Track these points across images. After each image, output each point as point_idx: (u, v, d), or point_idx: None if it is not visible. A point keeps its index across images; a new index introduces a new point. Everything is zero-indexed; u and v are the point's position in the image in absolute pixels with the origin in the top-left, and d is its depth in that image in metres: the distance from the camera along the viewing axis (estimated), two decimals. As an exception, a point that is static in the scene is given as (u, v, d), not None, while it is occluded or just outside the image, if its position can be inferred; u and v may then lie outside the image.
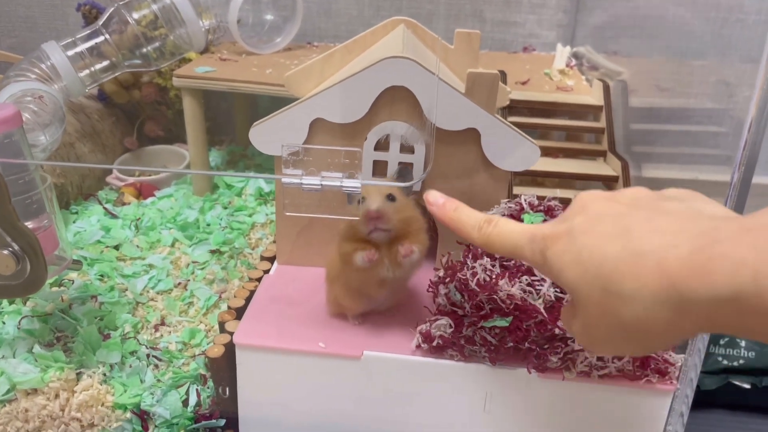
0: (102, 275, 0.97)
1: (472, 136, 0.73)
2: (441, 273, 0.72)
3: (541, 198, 0.73)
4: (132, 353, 0.82)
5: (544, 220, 0.70)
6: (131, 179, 1.27)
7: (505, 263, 0.67)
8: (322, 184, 0.59)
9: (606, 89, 0.97)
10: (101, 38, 1.19)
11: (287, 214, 0.60)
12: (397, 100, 0.72)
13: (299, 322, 0.72)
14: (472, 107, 0.71)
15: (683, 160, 0.84)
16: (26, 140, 0.68)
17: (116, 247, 1.05)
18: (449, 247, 0.78)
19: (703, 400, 0.83)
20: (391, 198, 0.64)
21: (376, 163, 0.76)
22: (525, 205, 0.71)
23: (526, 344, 0.65)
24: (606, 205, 0.38)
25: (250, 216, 1.14)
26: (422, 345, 0.67)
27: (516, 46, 1.44)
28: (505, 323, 0.64)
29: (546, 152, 0.90)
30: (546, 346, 0.66)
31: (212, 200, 1.19)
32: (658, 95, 0.92)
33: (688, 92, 0.83)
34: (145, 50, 1.25)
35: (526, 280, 0.64)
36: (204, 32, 1.28)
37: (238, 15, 1.22)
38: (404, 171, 0.70)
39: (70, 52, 1.16)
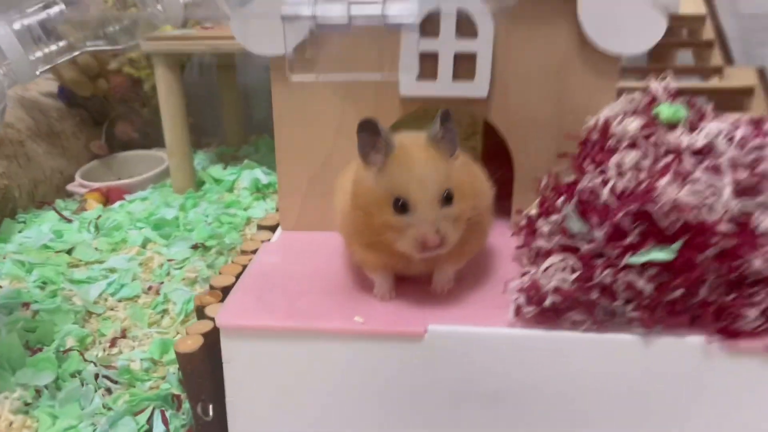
0: (44, 282, 0.71)
1: (560, 5, 0.49)
2: (537, 207, 0.47)
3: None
4: (74, 374, 0.56)
5: (688, 119, 0.45)
6: (97, 184, 1.02)
7: (659, 145, 0.41)
8: (350, 16, 0.34)
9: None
10: (56, 9, 0.97)
11: (294, 79, 0.35)
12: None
13: (316, 296, 0.46)
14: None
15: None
16: None
17: (69, 252, 0.80)
18: (526, 191, 0.54)
19: None
20: (448, 198, 0.41)
21: (423, 59, 0.51)
22: (659, 92, 0.46)
23: (701, 293, 0.39)
24: None
25: (245, 210, 0.89)
26: (525, 309, 0.41)
27: None
28: (669, 256, 0.38)
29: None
30: (733, 296, 0.39)
31: (196, 197, 0.94)
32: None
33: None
34: (111, 29, 1.04)
35: (705, 180, 0.39)
36: (182, 5, 1.07)
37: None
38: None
39: (17, 26, 0.95)
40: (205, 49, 0.88)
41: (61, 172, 1.07)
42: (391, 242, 0.41)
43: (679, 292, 0.39)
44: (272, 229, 0.60)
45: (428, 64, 0.51)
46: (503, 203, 0.54)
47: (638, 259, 0.39)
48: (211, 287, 0.51)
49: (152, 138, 1.19)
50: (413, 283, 0.47)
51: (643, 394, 0.42)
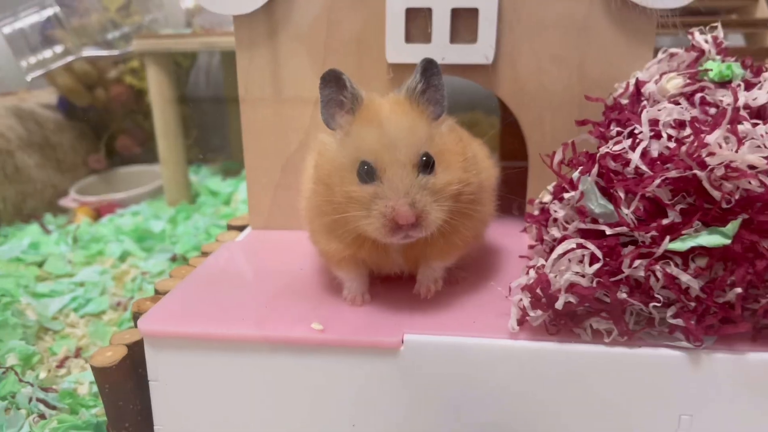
0: (2, 294, 0.64)
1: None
2: (551, 192, 0.37)
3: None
4: (7, 397, 0.48)
5: (744, 80, 0.35)
6: (90, 198, 0.96)
7: (707, 104, 0.32)
8: None
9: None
10: (50, 12, 0.92)
11: None
12: None
13: (272, 300, 0.37)
14: None
15: None
16: None
17: (41, 264, 0.72)
18: (541, 178, 0.44)
19: None
20: (427, 165, 0.32)
21: (413, 16, 0.42)
22: (707, 47, 0.36)
23: (770, 293, 0.29)
24: None
25: (239, 221, 0.81)
26: (531, 314, 0.31)
27: None
28: (724, 240, 0.28)
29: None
30: (814, 297, 0.29)
31: (190, 210, 0.87)
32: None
33: None
34: (111, 36, 0.98)
35: (764, 132, 0.29)
36: (184, 11, 1.01)
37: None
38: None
39: (7, 30, 0.90)
40: (199, 48, 0.81)
41: (54, 186, 1.00)
42: (357, 223, 0.32)
43: (737, 291, 0.28)
44: (240, 228, 0.52)
45: (420, 23, 0.43)
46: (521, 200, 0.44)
47: (682, 244, 0.29)
48: (156, 292, 0.43)
49: (156, 153, 1.13)
50: (393, 286, 0.37)
51: (689, 427, 0.31)
